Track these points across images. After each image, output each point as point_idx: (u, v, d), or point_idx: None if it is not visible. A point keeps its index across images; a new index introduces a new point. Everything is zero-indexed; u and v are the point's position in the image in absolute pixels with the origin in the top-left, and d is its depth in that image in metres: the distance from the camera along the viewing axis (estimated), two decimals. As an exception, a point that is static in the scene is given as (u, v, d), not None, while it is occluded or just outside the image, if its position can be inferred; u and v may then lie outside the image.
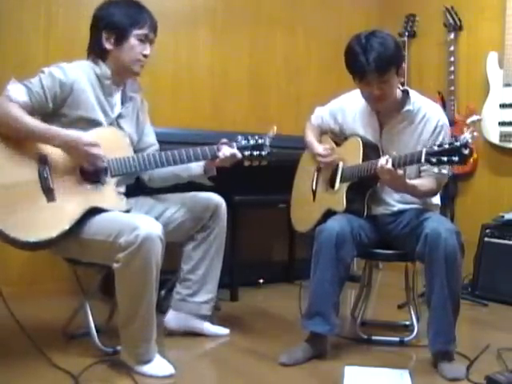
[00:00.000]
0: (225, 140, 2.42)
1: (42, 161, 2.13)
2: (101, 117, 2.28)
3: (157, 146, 2.55)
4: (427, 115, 2.45)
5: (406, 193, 2.43)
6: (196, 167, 2.46)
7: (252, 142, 2.41)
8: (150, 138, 2.55)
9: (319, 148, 2.64)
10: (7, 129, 2.09)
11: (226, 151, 2.37)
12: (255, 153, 2.40)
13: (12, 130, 2.10)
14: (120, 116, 2.38)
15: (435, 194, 2.49)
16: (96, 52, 2.32)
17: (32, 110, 2.16)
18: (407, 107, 2.44)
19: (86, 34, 3.29)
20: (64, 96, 2.21)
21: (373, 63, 2.25)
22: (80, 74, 2.25)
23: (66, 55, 3.16)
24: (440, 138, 2.38)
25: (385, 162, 2.22)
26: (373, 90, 2.33)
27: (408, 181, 2.30)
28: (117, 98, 2.38)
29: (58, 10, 3.27)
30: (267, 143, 2.41)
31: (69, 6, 3.31)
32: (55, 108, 2.21)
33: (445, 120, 2.46)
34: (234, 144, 2.40)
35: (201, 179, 2.51)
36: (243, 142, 2.41)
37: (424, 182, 2.40)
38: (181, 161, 2.33)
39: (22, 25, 3.16)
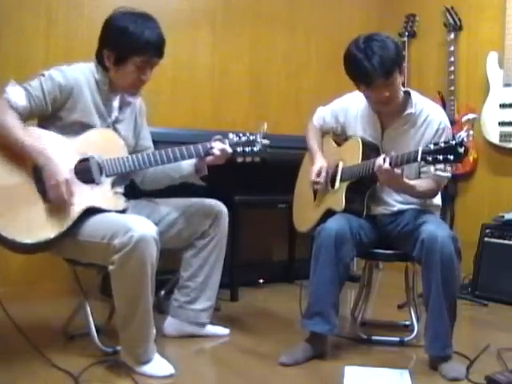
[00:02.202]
0: (218, 136, 2.42)
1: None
2: (97, 121, 2.29)
3: (152, 149, 2.53)
4: (429, 118, 2.44)
5: (405, 193, 2.43)
6: (187, 166, 2.45)
7: (243, 138, 2.43)
8: (146, 141, 2.55)
9: (317, 165, 2.60)
10: (1, 137, 2.07)
11: (218, 146, 2.37)
12: (247, 149, 2.42)
13: (5, 139, 2.08)
14: (117, 121, 2.37)
15: (434, 195, 2.48)
16: (98, 61, 2.31)
17: (30, 114, 2.16)
18: (409, 110, 2.43)
19: (86, 34, 3.34)
20: (63, 99, 2.21)
21: (378, 68, 2.24)
22: (79, 78, 2.25)
23: (66, 55, 3.20)
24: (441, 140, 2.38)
25: (382, 161, 2.22)
26: (381, 94, 2.32)
27: (406, 181, 2.30)
28: (115, 102, 2.37)
29: (58, 9, 3.27)
30: (258, 139, 2.42)
31: (69, 6, 3.30)
32: (54, 111, 2.21)
33: (447, 122, 2.46)
34: (226, 141, 2.41)
35: (192, 179, 2.49)
36: (235, 139, 2.42)
37: (423, 183, 2.40)
38: (174, 158, 2.32)
39: (22, 25, 3.16)
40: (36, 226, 2.05)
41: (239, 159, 2.43)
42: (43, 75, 2.20)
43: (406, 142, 2.44)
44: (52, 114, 2.21)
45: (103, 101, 2.32)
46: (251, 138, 2.42)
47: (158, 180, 2.52)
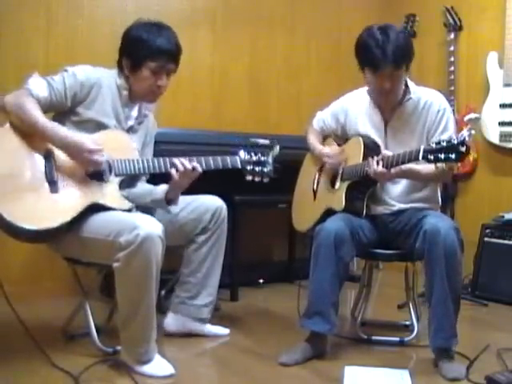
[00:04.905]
0: (194, 163, 2.30)
1: (49, 154, 2.15)
2: (113, 123, 2.32)
3: None
4: (429, 101, 2.47)
5: (411, 179, 2.44)
6: (159, 192, 2.37)
7: (255, 158, 2.41)
8: None
9: (326, 149, 2.65)
10: (19, 120, 2.12)
11: (185, 164, 2.28)
12: (257, 168, 2.41)
13: (22, 122, 2.12)
14: (131, 129, 2.42)
15: (446, 177, 2.49)
16: (120, 71, 2.38)
17: (49, 106, 2.21)
18: (408, 96, 2.46)
19: (86, 34, 3.34)
20: (82, 96, 2.26)
21: (391, 55, 2.26)
22: (102, 79, 2.32)
23: (66, 55, 3.21)
24: (444, 121, 2.42)
25: (376, 165, 2.25)
26: (384, 83, 2.33)
27: (410, 165, 2.29)
28: (133, 111, 2.42)
29: (58, 10, 3.27)
30: (270, 161, 2.41)
31: (69, 6, 3.30)
32: (72, 107, 2.25)
33: (446, 104, 2.48)
34: (237, 158, 2.38)
35: (161, 206, 2.39)
36: (246, 157, 2.40)
37: (428, 167, 2.37)
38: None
39: (22, 25, 3.16)
40: (40, 214, 2.06)
41: (248, 177, 2.41)
42: (66, 71, 2.25)
43: (411, 128, 2.46)
44: (70, 109, 2.25)
45: (122, 106, 2.36)
46: (262, 158, 2.41)
47: (136, 198, 2.41)
